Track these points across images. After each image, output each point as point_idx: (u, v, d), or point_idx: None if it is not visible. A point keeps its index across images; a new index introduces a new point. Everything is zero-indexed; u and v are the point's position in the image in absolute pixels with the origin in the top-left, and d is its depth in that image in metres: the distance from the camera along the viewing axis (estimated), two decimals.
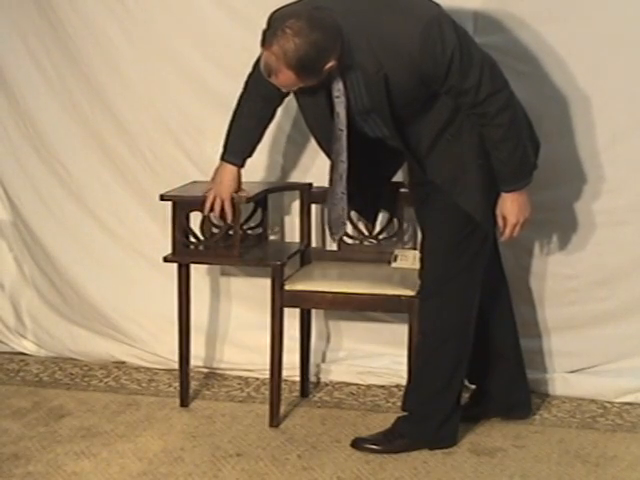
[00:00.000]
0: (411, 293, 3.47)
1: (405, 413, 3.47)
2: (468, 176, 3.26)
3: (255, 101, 3.46)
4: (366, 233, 3.82)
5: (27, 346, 4.43)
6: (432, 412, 3.41)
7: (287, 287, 3.58)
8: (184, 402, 3.83)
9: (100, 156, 4.14)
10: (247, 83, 3.48)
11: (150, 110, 4.01)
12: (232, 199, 3.54)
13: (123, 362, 4.27)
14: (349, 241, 3.84)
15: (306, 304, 3.68)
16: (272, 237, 3.96)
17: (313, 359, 3.98)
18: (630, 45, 3.55)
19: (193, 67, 3.92)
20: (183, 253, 3.68)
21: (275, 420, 3.64)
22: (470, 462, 3.36)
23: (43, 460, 3.42)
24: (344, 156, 3.25)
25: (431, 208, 3.37)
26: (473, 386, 3.67)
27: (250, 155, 3.55)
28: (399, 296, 3.48)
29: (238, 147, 3.53)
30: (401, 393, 3.81)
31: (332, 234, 3.52)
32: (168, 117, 4.00)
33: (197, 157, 4.00)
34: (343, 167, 3.27)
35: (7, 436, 3.61)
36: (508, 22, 3.58)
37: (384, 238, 3.81)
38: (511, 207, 3.25)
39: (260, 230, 3.86)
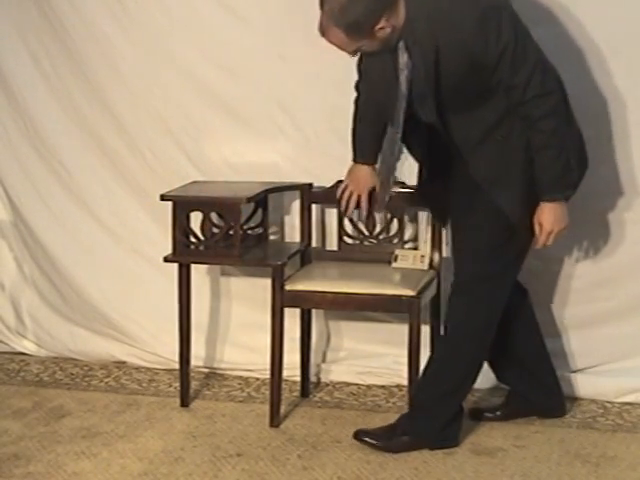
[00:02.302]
0: (411, 293, 3.47)
1: (410, 410, 3.48)
2: (511, 178, 3.26)
3: (367, 101, 3.51)
4: (366, 233, 3.82)
5: (27, 346, 4.43)
6: (439, 412, 3.41)
7: (287, 287, 3.58)
8: (184, 402, 3.83)
9: (100, 156, 4.14)
10: (357, 87, 3.52)
11: (150, 110, 4.01)
12: (369, 194, 3.60)
13: (123, 362, 4.27)
14: (349, 241, 3.84)
15: (306, 304, 3.68)
16: (272, 237, 3.96)
17: (313, 359, 3.98)
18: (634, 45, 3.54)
19: (193, 67, 3.92)
20: (183, 253, 3.68)
21: (275, 420, 3.64)
22: (471, 462, 3.36)
23: (43, 460, 3.42)
24: (400, 127, 3.25)
25: (472, 208, 3.35)
26: (507, 387, 3.68)
27: (380, 150, 3.54)
28: (400, 296, 3.48)
29: (365, 147, 3.57)
30: (401, 393, 3.82)
31: (377, 208, 3.55)
32: (168, 117, 4.00)
33: (197, 157, 4.00)
34: (398, 137, 3.28)
35: (7, 436, 3.61)
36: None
37: (384, 238, 3.81)
38: (547, 215, 3.25)
39: (260, 230, 3.86)
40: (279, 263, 3.60)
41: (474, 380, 3.46)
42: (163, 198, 3.65)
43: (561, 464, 3.33)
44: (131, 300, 4.20)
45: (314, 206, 3.86)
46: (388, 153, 3.37)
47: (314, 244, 3.88)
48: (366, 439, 3.44)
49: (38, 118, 4.17)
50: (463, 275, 3.39)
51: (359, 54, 3.23)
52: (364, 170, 3.60)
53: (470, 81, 3.15)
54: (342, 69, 3.61)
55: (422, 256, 3.70)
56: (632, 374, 3.74)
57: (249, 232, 3.82)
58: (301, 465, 3.37)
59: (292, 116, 3.85)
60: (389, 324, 3.92)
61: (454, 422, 3.43)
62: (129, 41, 3.97)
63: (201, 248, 3.68)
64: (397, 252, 3.73)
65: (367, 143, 3.56)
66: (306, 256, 3.85)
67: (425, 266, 3.68)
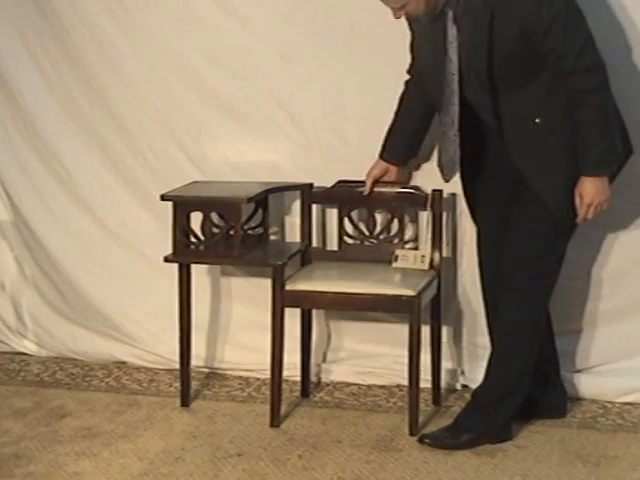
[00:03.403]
0: (412, 293, 3.47)
1: (467, 407, 3.50)
2: (553, 168, 3.26)
3: (409, 98, 3.55)
4: (367, 233, 3.82)
5: (28, 346, 4.44)
6: (503, 410, 3.44)
7: (288, 287, 3.58)
8: (185, 402, 3.83)
9: (100, 156, 4.14)
10: (406, 82, 3.55)
11: (150, 110, 4.01)
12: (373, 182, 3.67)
13: (124, 362, 4.27)
14: (350, 241, 3.84)
15: (307, 304, 3.68)
16: (273, 237, 3.96)
17: (314, 359, 3.98)
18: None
19: (193, 67, 3.92)
20: (184, 253, 3.67)
21: (276, 420, 3.64)
22: (471, 462, 3.36)
23: (44, 460, 3.42)
24: (456, 99, 3.25)
25: (518, 203, 3.35)
26: None
27: (411, 153, 3.63)
28: (400, 296, 3.48)
29: (389, 145, 3.61)
30: (402, 393, 3.82)
31: (444, 176, 3.48)
32: (168, 117, 4.00)
33: (197, 157, 4.00)
34: (455, 110, 3.27)
35: (8, 436, 3.61)
36: None
37: (384, 238, 3.81)
38: (589, 188, 3.24)
39: (261, 230, 3.86)
40: (279, 263, 3.60)
41: (531, 376, 3.47)
42: (163, 198, 3.65)
43: (561, 464, 3.33)
44: (131, 300, 4.20)
45: (314, 206, 3.85)
46: (447, 144, 3.35)
47: (315, 244, 3.88)
48: (429, 441, 3.44)
49: (38, 118, 4.17)
50: (514, 275, 3.37)
51: (404, 18, 3.23)
52: (377, 162, 3.65)
53: (522, 50, 3.14)
54: (342, 69, 3.62)
55: (422, 256, 3.69)
56: (632, 374, 3.73)
57: (250, 232, 3.82)
58: (301, 465, 3.37)
59: (292, 116, 3.85)
60: (389, 324, 3.92)
61: (512, 417, 3.46)
62: (129, 41, 3.97)
63: (201, 248, 3.68)
64: (397, 252, 3.73)
65: (399, 141, 3.60)
66: (306, 256, 3.85)
67: (425, 266, 3.67)
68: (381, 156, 3.66)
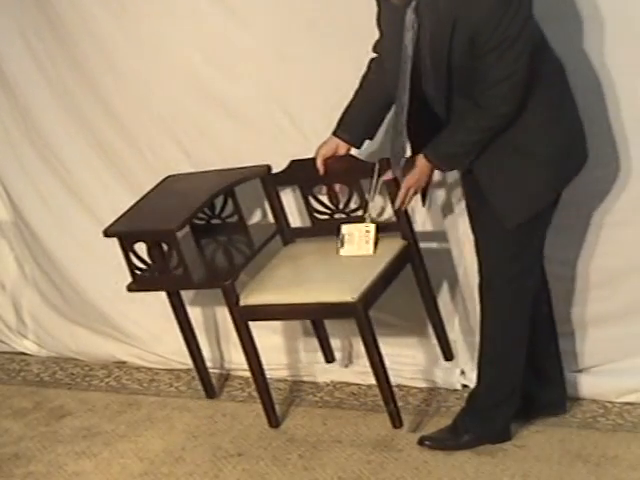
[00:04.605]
0: (349, 299, 3.33)
1: (466, 408, 3.50)
2: (500, 169, 3.22)
3: (372, 77, 3.46)
4: (333, 208, 3.67)
5: (28, 346, 4.44)
6: (502, 412, 3.44)
7: (242, 302, 3.49)
8: (210, 394, 3.87)
9: (100, 156, 4.14)
10: (369, 63, 3.48)
11: (150, 110, 4.01)
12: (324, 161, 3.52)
13: (124, 362, 4.27)
14: (320, 217, 3.70)
15: (265, 317, 3.56)
16: (253, 222, 3.91)
17: (314, 359, 3.97)
18: (632, 44, 3.54)
19: (192, 67, 3.91)
20: (140, 281, 3.60)
21: (273, 420, 3.63)
22: (471, 462, 3.36)
23: (44, 460, 3.43)
24: (407, 87, 3.20)
25: (477, 203, 3.32)
26: None
27: (358, 133, 3.49)
28: (339, 303, 3.35)
29: (345, 122, 3.48)
30: (402, 393, 3.82)
31: (393, 172, 3.41)
32: (168, 117, 4.00)
33: (197, 157, 4.00)
34: (405, 99, 3.22)
35: (8, 436, 3.62)
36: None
37: (351, 210, 3.64)
38: (413, 170, 3.23)
39: (235, 218, 3.82)
40: (227, 283, 3.49)
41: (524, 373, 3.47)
42: (107, 234, 3.57)
43: (562, 464, 3.33)
44: (131, 300, 4.19)
45: (279, 188, 3.77)
46: (395, 135, 3.29)
47: (297, 223, 3.82)
48: (430, 443, 3.44)
49: (38, 118, 4.17)
50: (491, 275, 3.35)
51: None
52: (330, 139, 3.51)
53: (472, 61, 3.09)
54: (342, 69, 3.61)
55: (367, 231, 3.48)
56: (632, 374, 3.73)
57: (228, 221, 3.80)
58: (302, 465, 3.37)
59: (291, 116, 3.84)
60: (389, 324, 3.92)
61: (512, 417, 3.46)
62: (129, 41, 3.97)
63: (156, 275, 3.59)
64: (343, 230, 3.49)
65: (356, 119, 3.47)
66: (287, 236, 3.78)
67: (370, 249, 3.48)
68: (335, 133, 3.52)
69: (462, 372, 3.89)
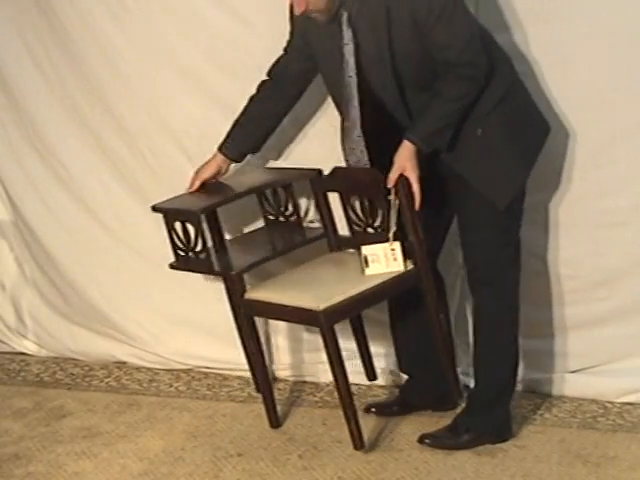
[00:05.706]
0: (315, 307, 3.26)
1: (466, 407, 3.51)
2: (488, 161, 3.25)
3: (268, 93, 3.56)
4: (364, 220, 3.54)
5: (28, 346, 4.44)
6: (500, 409, 3.45)
7: (246, 296, 3.47)
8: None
9: (100, 156, 4.14)
10: (259, 86, 3.56)
11: (150, 110, 4.01)
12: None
13: (124, 362, 4.27)
14: (356, 228, 3.56)
15: (257, 313, 3.55)
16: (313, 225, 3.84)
17: (314, 359, 3.98)
18: (629, 44, 3.54)
19: (193, 67, 3.92)
20: (182, 261, 3.58)
21: (274, 421, 3.63)
22: (471, 462, 3.36)
23: (44, 460, 3.43)
24: (355, 102, 3.24)
25: (458, 199, 3.34)
26: (406, 376, 3.72)
27: (244, 151, 3.61)
28: (306, 309, 3.29)
29: (232, 139, 3.61)
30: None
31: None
32: (168, 117, 3.99)
33: (197, 158, 3.99)
34: (355, 113, 3.25)
35: (8, 436, 3.62)
36: (507, 22, 3.57)
37: (379, 225, 3.50)
38: (404, 157, 3.22)
39: (295, 217, 3.78)
40: (232, 273, 3.48)
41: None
42: (155, 209, 3.58)
43: (562, 464, 3.33)
44: (131, 300, 4.20)
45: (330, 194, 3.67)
46: (350, 143, 3.31)
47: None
48: (430, 441, 3.45)
49: (38, 118, 4.17)
50: (479, 268, 3.38)
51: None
52: (214, 158, 3.62)
53: (419, 48, 3.13)
54: None
55: (392, 249, 3.34)
56: (632, 374, 3.73)
57: (291, 219, 3.78)
58: (302, 465, 3.37)
59: (292, 116, 3.84)
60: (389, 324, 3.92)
61: (511, 415, 3.47)
62: (129, 41, 3.97)
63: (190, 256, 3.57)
64: (364, 251, 3.36)
65: (237, 137, 3.59)
66: (332, 243, 3.69)
67: (400, 265, 3.34)
68: (219, 148, 3.62)
69: (462, 372, 3.90)
